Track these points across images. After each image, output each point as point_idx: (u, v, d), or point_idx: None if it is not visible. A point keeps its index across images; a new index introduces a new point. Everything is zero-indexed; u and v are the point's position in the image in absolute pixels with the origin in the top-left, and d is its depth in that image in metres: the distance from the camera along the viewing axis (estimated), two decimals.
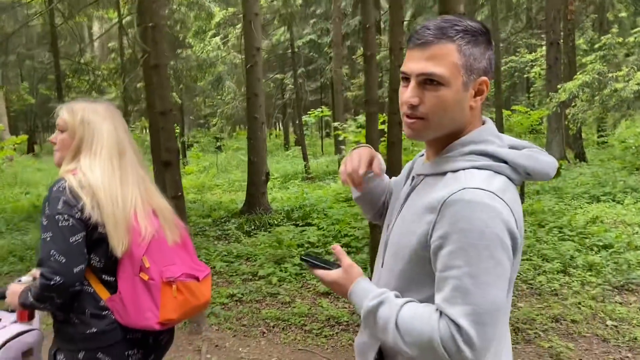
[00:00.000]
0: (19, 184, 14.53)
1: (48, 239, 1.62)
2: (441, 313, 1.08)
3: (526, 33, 21.34)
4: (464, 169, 1.16)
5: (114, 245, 1.67)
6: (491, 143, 1.19)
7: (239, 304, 5.05)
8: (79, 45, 10.32)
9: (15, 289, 1.78)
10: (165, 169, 4.10)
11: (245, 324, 4.55)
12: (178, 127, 22.80)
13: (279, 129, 36.06)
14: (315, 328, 4.35)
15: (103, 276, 1.73)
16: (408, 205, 1.27)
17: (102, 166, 1.74)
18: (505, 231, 1.07)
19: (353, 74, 20.64)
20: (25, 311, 1.94)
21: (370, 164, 1.38)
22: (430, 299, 1.15)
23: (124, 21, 9.91)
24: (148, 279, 1.70)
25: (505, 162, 1.17)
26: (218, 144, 23.76)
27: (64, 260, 1.60)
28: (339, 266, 1.29)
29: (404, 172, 1.48)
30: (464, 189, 1.09)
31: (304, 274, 5.74)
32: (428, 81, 1.13)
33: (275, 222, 8.16)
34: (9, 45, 11.73)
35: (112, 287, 1.73)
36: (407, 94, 1.16)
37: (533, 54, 20.37)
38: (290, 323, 4.49)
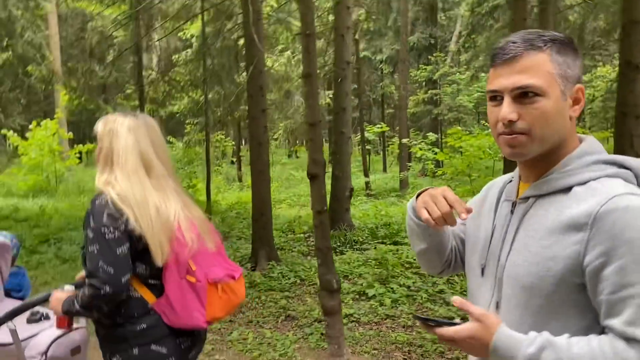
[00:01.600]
0: (85, 192, 14.72)
1: (95, 251, 1.69)
2: (628, 340, 0.96)
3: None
4: (594, 179, 1.08)
5: (154, 255, 1.76)
6: (606, 153, 1.14)
7: (358, 325, 4.84)
8: (157, 56, 10.45)
9: (59, 296, 1.87)
10: (312, 182, 3.93)
11: (377, 347, 4.32)
12: (234, 141, 23.04)
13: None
14: (461, 357, 4.10)
15: (149, 281, 1.83)
16: (526, 232, 1.14)
17: (129, 177, 1.80)
18: None
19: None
20: (65, 318, 2.04)
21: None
22: (577, 333, 1.04)
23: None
24: (195, 281, 1.82)
25: (629, 169, 1.10)
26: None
27: (112, 271, 1.68)
28: (458, 323, 1.12)
29: (482, 201, 1.35)
30: (614, 197, 1.01)
31: (415, 296, 5.50)
32: (524, 94, 1.08)
33: (361, 240, 7.95)
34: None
35: (158, 290, 1.82)
36: (504, 109, 1.10)
37: (588, 74, 19.93)
38: (426, 349, 4.25)
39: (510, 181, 1.28)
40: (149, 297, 1.81)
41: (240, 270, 2.01)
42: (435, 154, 11.20)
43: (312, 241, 7.92)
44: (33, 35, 14.80)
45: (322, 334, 4.45)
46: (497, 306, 1.19)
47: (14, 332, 2.10)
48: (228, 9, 9.20)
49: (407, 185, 14.63)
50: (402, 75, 15.20)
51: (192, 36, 11.92)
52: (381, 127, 16.82)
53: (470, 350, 1.12)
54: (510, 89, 1.09)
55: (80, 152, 15.48)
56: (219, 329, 4.78)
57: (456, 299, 1.12)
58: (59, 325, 2.08)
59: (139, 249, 1.76)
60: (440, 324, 1.13)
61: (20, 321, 2.21)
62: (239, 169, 19.94)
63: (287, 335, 4.62)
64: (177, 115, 14.18)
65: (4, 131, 14.01)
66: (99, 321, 1.84)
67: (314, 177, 3.95)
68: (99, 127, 1.90)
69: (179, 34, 11.09)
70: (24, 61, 15.33)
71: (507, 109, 1.09)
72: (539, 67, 1.08)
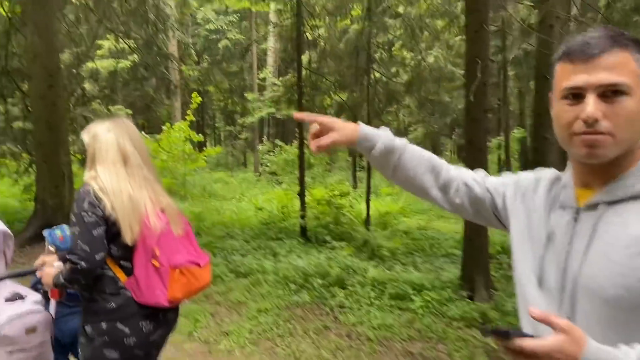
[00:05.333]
0: (213, 195, 14.38)
1: (76, 232, 1.99)
2: None
3: None
4: None
5: (123, 234, 2.04)
6: None
7: None
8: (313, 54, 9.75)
9: (49, 272, 2.19)
10: None
11: None
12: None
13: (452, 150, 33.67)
14: None
15: (121, 262, 2.11)
16: (603, 242, 1.05)
17: (109, 171, 2.11)
18: None
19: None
20: (56, 290, 2.27)
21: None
22: None
23: None
24: (159, 265, 2.06)
25: None
26: None
27: (88, 249, 1.97)
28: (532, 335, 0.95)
29: (533, 191, 1.27)
30: None
31: None
32: (611, 93, 1.03)
33: None
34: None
35: (129, 272, 2.10)
36: (590, 107, 1.03)
37: None
38: None
39: (560, 184, 1.21)
40: (121, 275, 2.08)
41: (207, 258, 2.25)
42: None
43: (505, 265, 6.77)
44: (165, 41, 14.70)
45: None
46: (571, 318, 1.09)
47: None
48: None
49: None
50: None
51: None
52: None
53: None
54: (597, 86, 1.03)
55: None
56: None
57: (535, 310, 0.98)
58: (51, 296, 2.35)
59: (113, 232, 2.05)
60: (521, 335, 0.96)
61: None
62: None
63: None
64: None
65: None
66: (82, 295, 2.14)
67: None
68: (85, 135, 2.21)
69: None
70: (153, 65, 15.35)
71: (592, 107, 1.03)
72: (625, 66, 1.03)
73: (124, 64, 15.65)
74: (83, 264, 1.95)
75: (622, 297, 1.00)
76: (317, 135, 1.36)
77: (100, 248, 1.99)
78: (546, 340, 0.95)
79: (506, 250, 7.51)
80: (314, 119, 1.32)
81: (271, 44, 19.81)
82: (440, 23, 9.94)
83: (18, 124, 11.83)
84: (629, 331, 1.01)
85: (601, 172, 1.10)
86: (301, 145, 9.11)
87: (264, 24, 22.12)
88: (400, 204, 12.39)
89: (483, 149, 5.64)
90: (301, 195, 8.93)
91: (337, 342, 4.56)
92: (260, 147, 20.65)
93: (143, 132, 14.31)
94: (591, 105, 1.03)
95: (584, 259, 1.08)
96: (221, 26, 20.16)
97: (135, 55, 15.67)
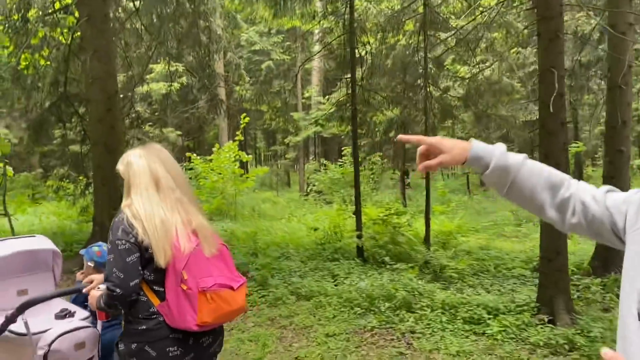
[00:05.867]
0: (262, 215, 14.32)
1: (111, 259, 2.06)
2: None
3: None
4: None
5: (157, 258, 2.07)
6: None
7: None
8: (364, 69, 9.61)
9: (94, 294, 2.24)
10: None
11: None
12: None
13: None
14: None
15: (154, 287, 2.14)
16: None
17: (141, 196, 2.15)
18: None
19: None
20: (102, 312, 2.32)
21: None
22: None
23: None
24: (187, 289, 2.06)
25: None
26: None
27: (122, 276, 2.03)
28: None
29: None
30: None
31: None
32: None
33: None
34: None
35: (162, 296, 2.13)
36: None
37: None
38: None
39: None
40: (154, 300, 2.14)
41: (242, 281, 2.24)
42: None
43: (583, 286, 6.32)
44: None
45: None
46: None
47: (25, 324, 2.41)
48: None
49: None
50: None
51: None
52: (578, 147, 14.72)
53: None
54: None
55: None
56: None
57: (607, 352, 0.92)
58: (99, 318, 2.43)
59: (147, 257, 2.10)
60: None
61: (48, 316, 2.61)
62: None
63: None
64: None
65: (190, 154, 14.10)
66: (124, 315, 2.20)
67: None
68: (119, 165, 2.29)
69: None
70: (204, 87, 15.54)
71: None
72: None
73: (174, 86, 15.92)
74: (118, 290, 2.02)
75: None
76: (425, 155, 1.33)
77: (134, 275, 2.05)
78: None
79: (581, 270, 7.07)
80: (419, 140, 1.28)
81: (316, 63, 19.85)
82: (497, 35, 9.66)
83: (74, 148, 12.11)
84: None
85: None
86: (356, 164, 8.93)
87: (308, 43, 22.22)
88: (456, 222, 11.99)
89: (561, 164, 5.31)
90: (357, 214, 8.71)
91: None
92: (306, 166, 20.59)
93: (194, 154, 14.42)
94: None
95: None
96: (266, 47, 20.39)
97: (184, 78, 15.98)
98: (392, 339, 5.06)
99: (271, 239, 10.29)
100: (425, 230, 8.77)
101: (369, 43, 9.77)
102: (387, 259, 7.84)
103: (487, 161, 1.31)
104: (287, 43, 23.70)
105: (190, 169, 14.35)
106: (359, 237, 8.49)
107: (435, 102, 9.47)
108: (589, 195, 1.30)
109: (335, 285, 6.81)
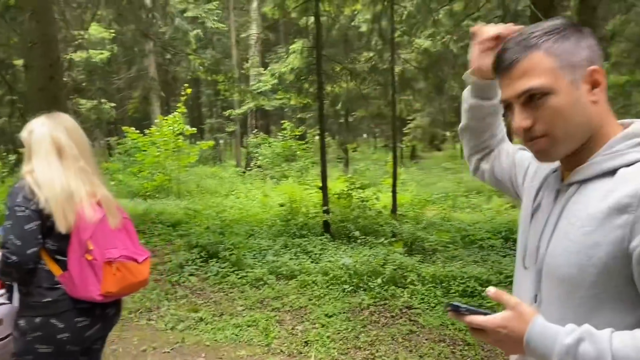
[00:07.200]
0: (207, 191, 13.74)
1: (9, 226, 1.99)
2: None
3: None
4: None
5: (58, 224, 2.02)
6: None
7: None
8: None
9: None
10: None
11: None
12: None
13: None
14: None
15: (56, 256, 2.09)
16: (567, 220, 1.06)
17: (43, 163, 2.10)
18: None
19: None
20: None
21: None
22: (625, 329, 0.93)
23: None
24: (92, 259, 2.05)
25: None
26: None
27: (19, 244, 1.97)
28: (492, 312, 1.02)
29: (534, 172, 1.29)
30: None
31: None
32: (531, 98, 1.04)
33: None
34: None
35: (65, 266, 2.07)
36: (515, 119, 1.07)
37: None
38: None
39: (555, 171, 1.20)
40: (55, 270, 2.08)
41: (146, 254, 2.24)
42: None
43: None
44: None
45: None
46: (535, 300, 1.12)
47: None
48: None
49: None
50: None
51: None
52: None
53: (502, 344, 1.03)
54: (516, 96, 1.06)
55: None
56: None
57: (490, 290, 1.06)
58: None
59: (48, 225, 2.04)
60: (472, 312, 1.05)
61: None
62: None
63: None
64: None
65: (127, 129, 13.18)
66: (19, 288, 2.12)
67: None
68: (22, 133, 2.22)
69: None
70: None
71: (518, 117, 1.06)
72: (537, 66, 1.03)
73: (104, 54, 14.77)
74: (14, 257, 1.96)
75: (576, 275, 1.01)
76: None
77: (32, 243, 1.99)
78: (494, 316, 1.02)
79: None
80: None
81: (254, 31, 19.16)
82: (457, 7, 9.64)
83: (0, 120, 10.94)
84: (584, 311, 1.00)
85: (570, 162, 1.10)
86: (322, 139, 8.68)
87: (241, 11, 21.47)
88: (410, 195, 12.12)
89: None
90: (323, 189, 8.51)
91: (435, 348, 4.20)
92: (246, 140, 20.01)
93: (133, 128, 13.49)
94: (516, 116, 1.07)
95: (550, 238, 1.09)
96: (199, 14, 19.37)
97: (115, 45, 14.86)
98: (393, 316, 4.95)
99: (231, 215, 9.87)
100: (392, 203, 8.73)
101: (329, 12, 9.45)
102: (357, 233, 7.72)
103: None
104: (218, 11, 22.68)
105: (120, 143, 13.36)
106: (327, 212, 8.31)
107: (396, 74, 9.35)
108: (505, 150, 1.44)
109: (314, 263, 6.60)
